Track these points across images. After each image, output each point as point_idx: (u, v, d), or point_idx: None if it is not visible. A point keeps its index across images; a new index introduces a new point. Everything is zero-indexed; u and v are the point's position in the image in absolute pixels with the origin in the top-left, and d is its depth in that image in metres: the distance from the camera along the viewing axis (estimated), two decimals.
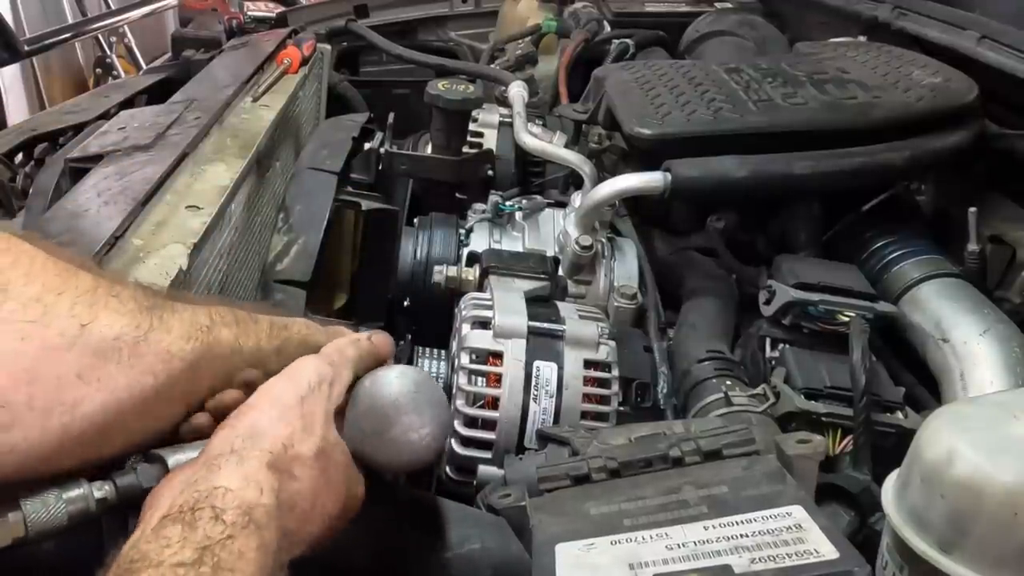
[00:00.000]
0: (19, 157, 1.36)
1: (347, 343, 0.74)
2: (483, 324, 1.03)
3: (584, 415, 1.00)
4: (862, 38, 1.67)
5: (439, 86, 1.52)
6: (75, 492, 0.59)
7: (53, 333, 0.57)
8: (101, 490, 0.60)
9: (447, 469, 1.01)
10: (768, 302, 1.10)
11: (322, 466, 0.64)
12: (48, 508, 0.57)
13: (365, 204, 1.36)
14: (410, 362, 1.09)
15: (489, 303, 1.06)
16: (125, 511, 0.61)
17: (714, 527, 0.65)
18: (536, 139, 1.45)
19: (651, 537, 0.65)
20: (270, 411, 0.64)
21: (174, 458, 0.63)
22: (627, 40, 2.01)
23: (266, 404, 0.64)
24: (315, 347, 0.74)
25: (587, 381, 1.01)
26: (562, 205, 1.41)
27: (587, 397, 1.01)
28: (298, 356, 0.71)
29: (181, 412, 0.65)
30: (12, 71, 3.54)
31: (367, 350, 0.74)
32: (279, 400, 0.65)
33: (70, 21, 3.85)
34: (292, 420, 0.63)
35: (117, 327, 0.59)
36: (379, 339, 0.77)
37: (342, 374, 0.70)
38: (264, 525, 0.55)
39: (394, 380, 0.72)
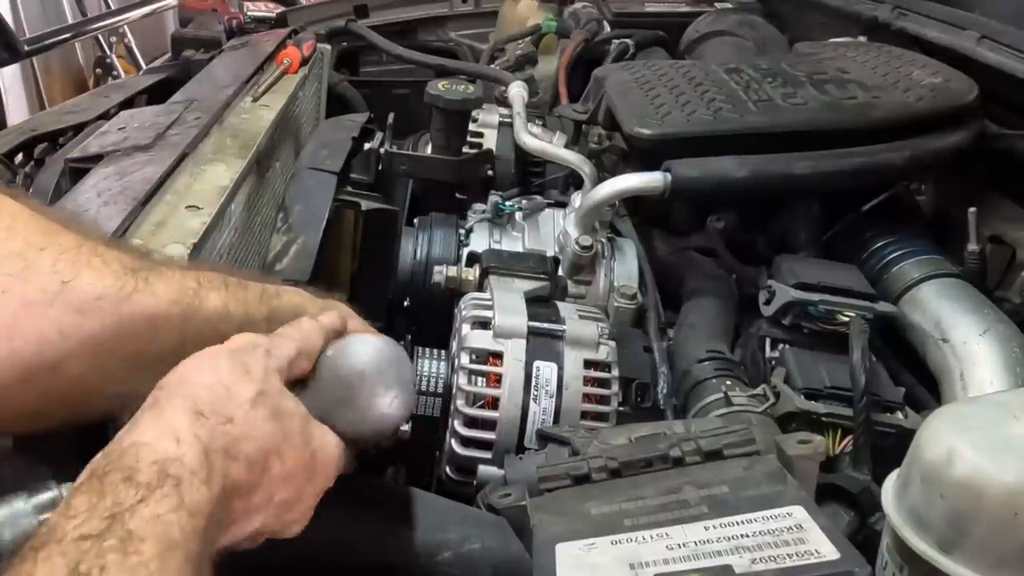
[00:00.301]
0: (19, 157, 1.36)
1: (287, 326, 0.69)
2: (483, 324, 1.03)
3: (584, 415, 1.00)
4: (862, 38, 1.67)
5: (439, 86, 1.52)
6: (44, 496, 0.55)
7: (34, 288, 0.55)
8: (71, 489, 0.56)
9: (447, 469, 1.01)
10: (768, 302, 1.10)
11: (269, 412, 0.59)
12: (15, 515, 0.54)
13: (365, 204, 1.36)
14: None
15: (489, 303, 1.06)
16: None
17: (715, 527, 0.65)
18: (536, 139, 1.45)
19: (652, 537, 0.65)
20: (199, 360, 0.59)
21: None
22: (627, 40, 2.00)
23: (195, 357, 0.60)
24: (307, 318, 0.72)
25: (587, 381, 1.01)
26: (562, 205, 1.41)
27: (587, 397, 1.01)
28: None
29: (164, 373, 0.62)
30: (12, 71, 3.54)
31: (309, 329, 0.70)
32: (211, 352, 0.61)
33: (70, 21, 3.85)
34: (222, 367, 0.59)
35: (100, 286, 0.57)
36: (328, 318, 0.73)
37: (281, 344, 0.66)
38: (184, 480, 0.50)
39: (359, 349, 0.71)
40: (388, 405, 0.70)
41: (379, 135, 1.56)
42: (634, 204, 1.39)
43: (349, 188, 1.43)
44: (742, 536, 0.63)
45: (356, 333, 0.74)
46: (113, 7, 3.96)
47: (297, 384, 0.68)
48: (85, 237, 0.60)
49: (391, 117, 1.61)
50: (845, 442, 0.95)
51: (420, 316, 1.31)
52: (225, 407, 0.57)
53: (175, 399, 0.55)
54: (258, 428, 0.58)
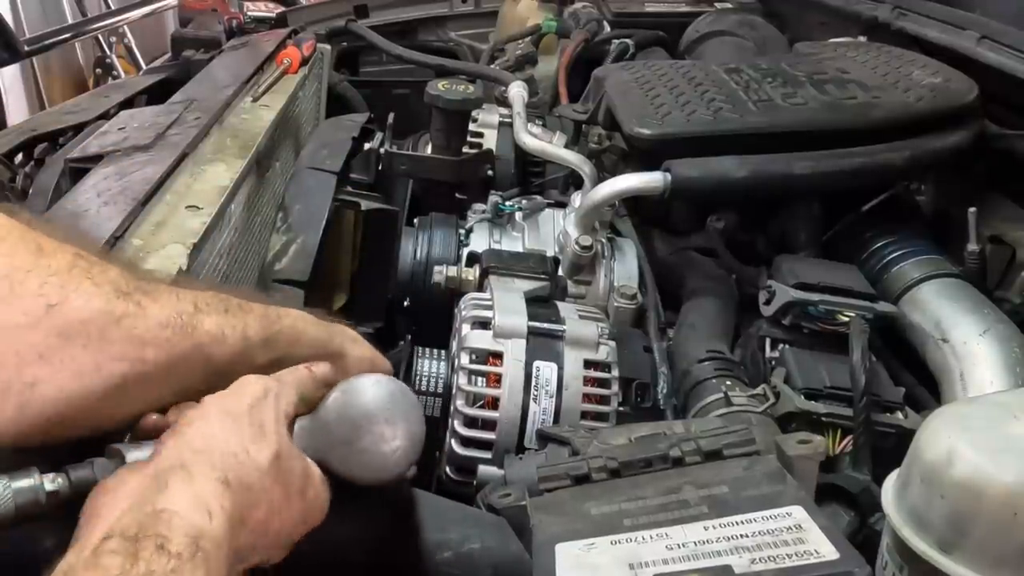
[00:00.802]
0: (19, 157, 1.36)
1: (288, 371, 0.70)
2: (483, 324, 1.03)
3: (584, 415, 1.00)
4: (862, 38, 1.67)
5: (439, 86, 1.52)
6: (24, 482, 0.56)
7: (16, 311, 0.55)
8: (53, 482, 0.57)
9: (447, 469, 1.01)
10: (768, 302, 1.10)
11: (277, 473, 0.61)
12: None
13: (365, 204, 1.36)
14: (410, 362, 1.09)
15: (489, 303, 1.06)
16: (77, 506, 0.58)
17: (714, 527, 0.65)
18: (536, 139, 1.45)
19: (651, 537, 0.65)
20: (221, 420, 0.60)
21: (133, 455, 0.60)
22: (627, 40, 2.00)
23: (214, 413, 0.61)
24: (307, 344, 0.72)
25: (587, 381, 1.01)
26: (562, 205, 1.41)
27: (587, 397, 1.01)
28: (288, 351, 0.69)
29: (155, 400, 0.63)
30: (12, 71, 3.54)
31: (305, 377, 0.71)
32: (228, 409, 0.62)
33: (70, 21, 3.85)
34: (243, 428, 0.61)
35: (87, 310, 0.57)
36: (321, 369, 0.73)
37: (287, 390, 0.67)
38: (212, 555, 0.52)
39: (368, 388, 0.69)
40: (391, 453, 0.68)
41: (379, 135, 1.56)
42: (634, 204, 1.39)
43: (349, 188, 1.43)
44: (742, 536, 0.63)
45: (368, 374, 0.72)
46: (113, 7, 3.96)
47: (296, 420, 0.68)
48: (79, 257, 0.60)
49: (391, 117, 1.61)
50: (845, 442, 0.95)
51: (420, 316, 1.31)
52: (246, 475, 0.58)
53: (203, 466, 0.56)
54: (268, 493, 0.60)
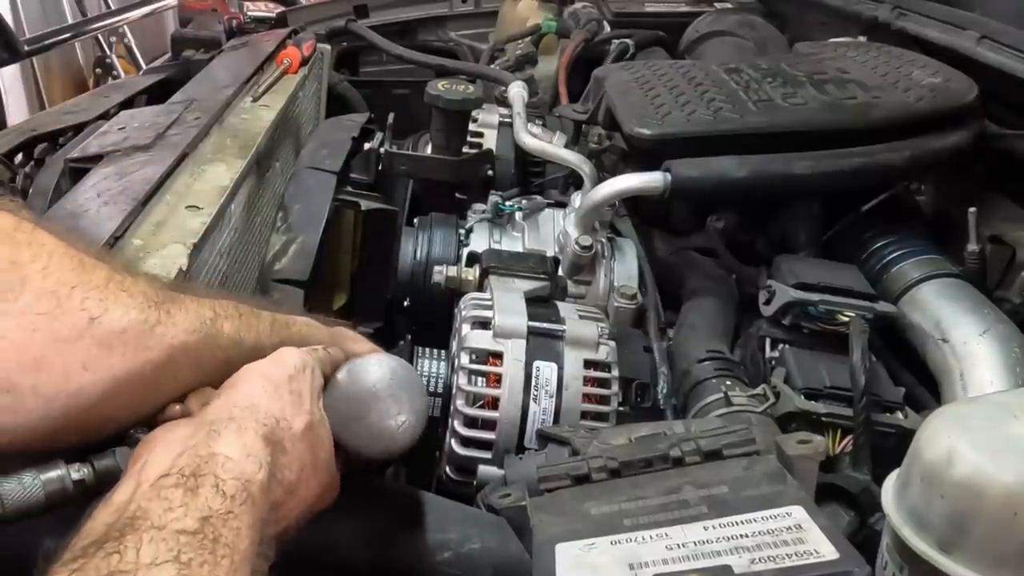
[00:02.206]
0: (19, 157, 1.36)
1: (310, 349, 0.75)
2: (483, 324, 1.03)
3: (584, 415, 1.00)
4: (862, 38, 1.67)
5: (439, 86, 1.52)
6: (53, 473, 0.60)
7: (63, 326, 0.59)
8: (79, 472, 0.60)
9: (447, 469, 1.01)
10: (768, 302, 1.10)
11: (310, 442, 0.66)
12: (24, 487, 0.58)
13: (365, 204, 1.36)
14: (410, 362, 1.09)
15: (489, 303, 1.06)
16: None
17: (714, 527, 0.65)
18: (536, 139, 1.45)
19: (651, 537, 0.65)
20: (263, 384, 0.65)
21: None
22: (627, 40, 2.00)
23: (258, 378, 0.66)
24: (315, 347, 0.76)
25: (587, 381, 1.01)
26: (562, 205, 1.41)
27: (587, 397, 1.01)
28: None
29: (176, 396, 0.67)
30: (12, 71, 3.54)
31: (325, 358, 0.76)
32: (270, 376, 0.67)
33: (70, 21, 3.85)
34: (284, 395, 0.66)
35: (124, 320, 0.62)
36: (334, 351, 0.78)
37: (319, 366, 0.73)
38: (258, 503, 0.56)
39: (373, 367, 0.74)
40: (398, 427, 0.72)
41: (379, 135, 1.56)
42: (634, 204, 1.39)
43: (349, 188, 1.43)
44: (742, 536, 0.63)
45: (370, 355, 0.77)
46: (113, 7, 3.96)
47: None
48: (113, 271, 0.65)
49: (391, 117, 1.61)
50: (845, 442, 0.95)
51: (420, 316, 1.31)
52: (284, 437, 0.63)
53: (251, 421, 0.61)
54: (301, 458, 0.64)
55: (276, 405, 0.64)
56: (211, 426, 0.59)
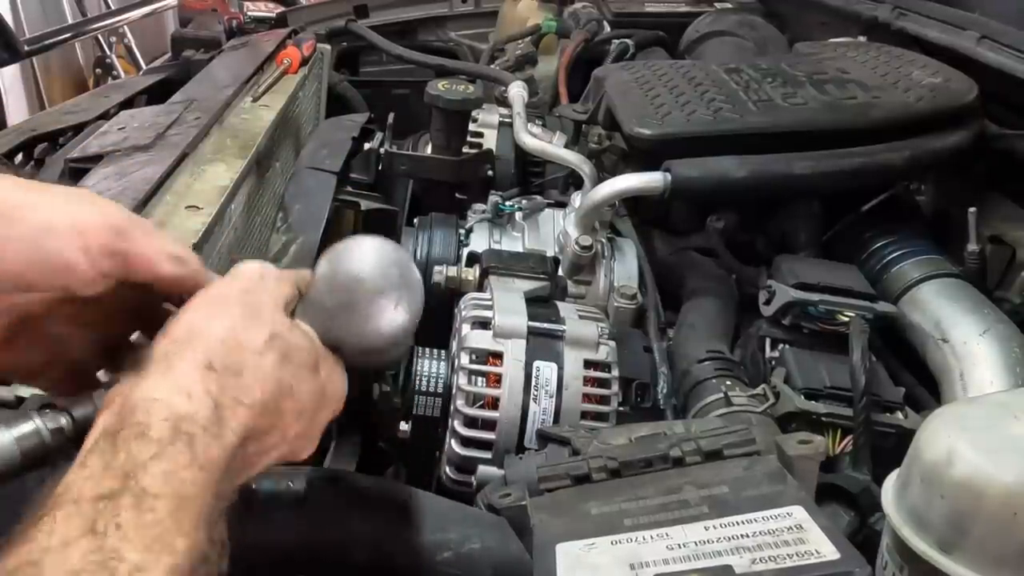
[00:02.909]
0: (19, 157, 1.36)
1: (286, 271, 0.68)
2: (483, 324, 1.03)
3: (584, 415, 1.00)
4: (862, 38, 1.67)
5: (439, 86, 1.52)
6: (25, 427, 0.55)
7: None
8: (55, 421, 0.56)
9: (447, 469, 1.01)
10: (768, 302, 1.10)
11: (280, 352, 0.59)
12: None
13: (364, 204, 1.37)
14: (410, 362, 1.08)
15: (489, 303, 1.06)
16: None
17: (715, 527, 0.65)
18: (536, 139, 1.45)
19: (652, 537, 0.65)
20: (207, 308, 0.60)
21: None
22: (627, 40, 2.00)
23: (200, 303, 0.60)
24: None
25: (587, 381, 1.01)
26: (562, 205, 1.41)
27: (587, 397, 1.01)
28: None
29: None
30: (12, 71, 3.54)
31: (295, 273, 0.68)
32: (215, 296, 0.61)
33: (70, 21, 3.85)
34: (232, 311, 0.59)
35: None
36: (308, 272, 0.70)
37: (286, 276, 0.66)
38: (198, 437, 0.51)
39: (354, 250, 0.67)
40: (394, 307, 0.65)
41: (379, 135, 1.56)
42: (634, 204, 1.39)
43: (349, 188, 1.43)
44: (742, 536, 0.63)
45: (350, 238, 0.70)
46: (113, 7, 3.96)
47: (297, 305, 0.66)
48: None
49: (391, 117, 1.61)
50: (845, 442, 0.95)
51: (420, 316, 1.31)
52: (236, 358, 0.57)
53: (185, 352, 0.56)
54: (269, 374, 0.58)
55: (224, 324, 0.58)
56: (141, 373, 0.55)
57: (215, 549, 0.51)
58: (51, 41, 2.65)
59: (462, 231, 1.36)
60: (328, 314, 0.65)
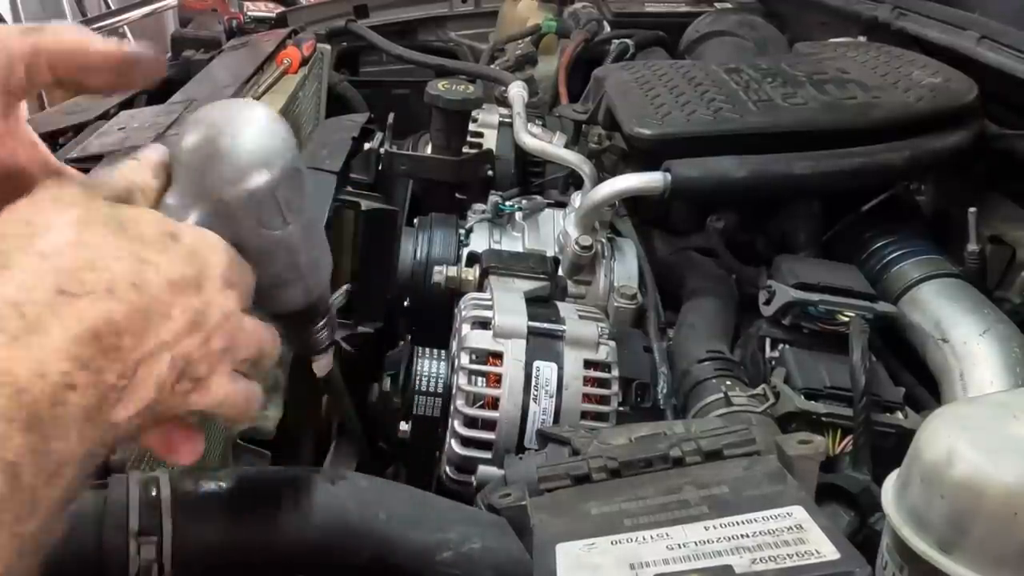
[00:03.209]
0: None
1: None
2: (483, 324, 1.03)
3: (584, 415, 1.00)
4: (862, 38, 1.67)
5: (439, 86, 1.52)
6: None
7: None
8: None
9: (447, 469, 1.01)
10: (768, 302, 1.10)
11: (108, 230, 0.48)
12: None
13: (365, 204, 1.36)
14: (410, 362, 1.09)
15: (489, 303, 1.06)
16: None
17: (715, 527, 0.65)
18: (536, 139, 1.45)
19: (652, 537, 0.65)
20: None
21: None
22: (627, 40, 2.00)
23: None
24: None
25: (587, 381, 1.01)
26: (562, 205, 1.41)
27: (587, 397, 1.01)
28: None
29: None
30: None
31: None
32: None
33: (70, 21, 3.85)
34: (19, 206, 0.48)
35: None
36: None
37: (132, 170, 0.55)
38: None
39: (208, 109, 0.59)
40: (257, 147, 0.56)
41: (379, 135, 1.56)
42: (634, 204, 1.39)
43: (349, 188, 1.43)
44: (742, 536, 0.63)
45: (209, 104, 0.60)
46: (113, 7, 3.96)
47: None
48: None
49: (391, 117, 1.61)
50: (845, 442, 0.95)
51: (420, 316, 1.31)
52: (22, 261, 0.45)
53: None
54: (96, 256, 0.46)
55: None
56: None
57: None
58: None
59: (462, 231, 1.36)
60: (190, 181, 0.56)
